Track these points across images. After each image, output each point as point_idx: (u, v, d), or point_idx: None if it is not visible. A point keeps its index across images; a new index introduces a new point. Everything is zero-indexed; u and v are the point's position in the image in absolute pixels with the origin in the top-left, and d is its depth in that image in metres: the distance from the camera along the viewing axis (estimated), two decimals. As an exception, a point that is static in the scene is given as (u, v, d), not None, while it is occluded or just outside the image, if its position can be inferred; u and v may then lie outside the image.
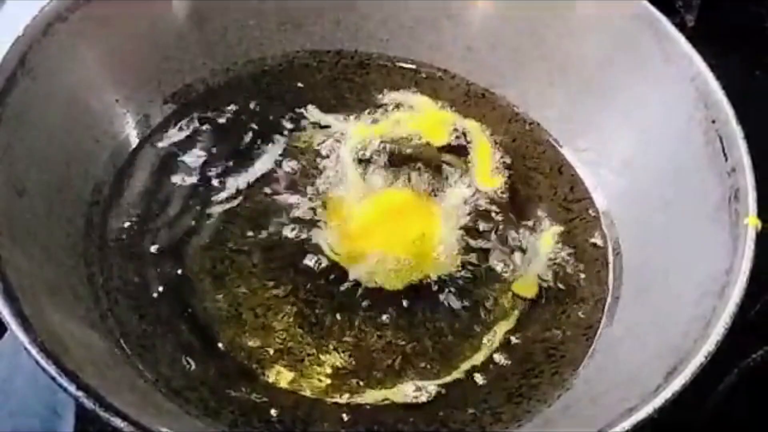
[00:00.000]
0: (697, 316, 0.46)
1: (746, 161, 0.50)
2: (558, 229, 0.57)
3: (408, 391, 0.49)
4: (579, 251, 0.56)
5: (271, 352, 0.49)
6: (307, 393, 0.48)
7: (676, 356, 0.44)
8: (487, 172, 0.59)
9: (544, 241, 0.56)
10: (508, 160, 0.60)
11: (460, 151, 0.60)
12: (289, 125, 0.59)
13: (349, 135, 0.59)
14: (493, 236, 0.56)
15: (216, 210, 0.55)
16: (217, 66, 0.61)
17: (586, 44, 0.59)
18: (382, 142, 0.59)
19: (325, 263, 0.53)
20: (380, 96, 0.62)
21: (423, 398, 0.49)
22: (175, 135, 0.58)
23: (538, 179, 0.59)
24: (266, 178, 0.57)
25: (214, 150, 0.58)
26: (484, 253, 0.55)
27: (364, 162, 0.58)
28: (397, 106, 0.62)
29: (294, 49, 0.63)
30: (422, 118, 0.61)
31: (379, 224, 0.55)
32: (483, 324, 0.52)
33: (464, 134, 0.61)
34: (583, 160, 0.60)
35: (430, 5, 0.63)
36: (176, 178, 0.56)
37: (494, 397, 0.49)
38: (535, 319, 0.53)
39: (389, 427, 0.48)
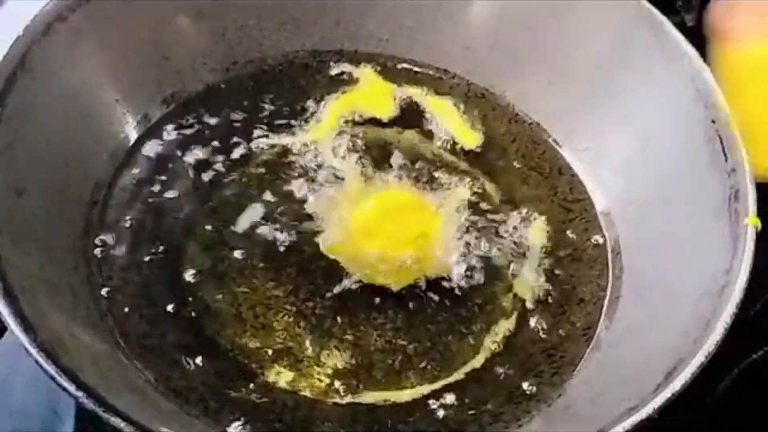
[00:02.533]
0: (697, 316, 0.46)
1: (746, 161, 0.50)
2: (558, 228, 0.57)
3: (408, 392, 0.49)
4: (579, 251, 0.56)
5: (271, 352, 0.49)
6: (307, 393, 0.48)
7: (676, 356, 0.44)
8: (463, 129, 0.61)
9: (544, 240, 0.56)
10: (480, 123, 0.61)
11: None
12: (288, 124, 0.59)
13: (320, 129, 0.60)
14: (492, 236, 0.56)
15: (216, 208, 0.55)
16: (217, 65, 0.61)
17: (586, 44, 0.59)
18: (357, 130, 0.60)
19: (325, 263, 0.53)
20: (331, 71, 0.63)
21: (423, 398, 0.49)
22: (174, 135, 0.58)
23: (537, 179, 0.59)
24: (266, 177, 0.57)
25: (213, 149, 0.58)
26: (484, 253, 0.55)
27: (351, 155, 0.58)
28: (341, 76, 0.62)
29: (294, 49, 0.63)
30: (366, 92, 0.62)
31: (379, 224, 0.55)
32: (483, 324, 0.52)
33: (416, 104, 0.62)
34: (582, 160, 0.60)
35: (429, 5, 0.63)
36: (176, 178, 0.56)
37: (494, 397, 0.49)
38: (535, 318, 0.53)
39: (389, 427, 0.48)
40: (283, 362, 0.49)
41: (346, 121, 0.60)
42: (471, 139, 0.61)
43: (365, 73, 0.63)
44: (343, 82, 0.62)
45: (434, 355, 0.51)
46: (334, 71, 0.62)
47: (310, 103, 0.61)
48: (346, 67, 0.63)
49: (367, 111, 0.61)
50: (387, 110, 0.61)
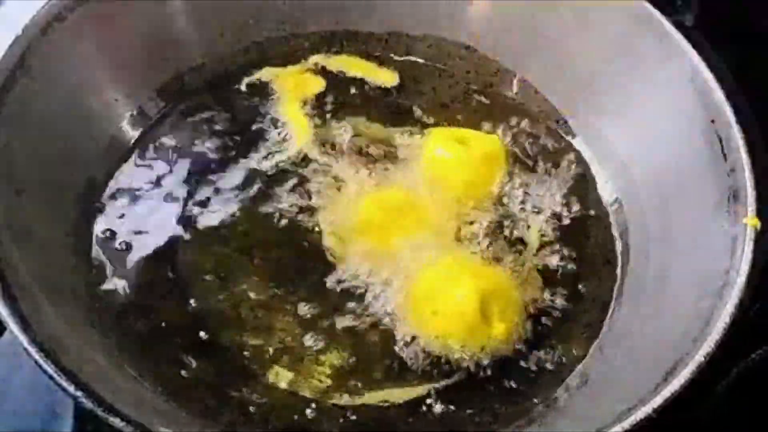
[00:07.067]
0: (696, 315, 0.46)
1: (745, 161, 0.50)
2: (558, 228, 0.57)
3: (407, 392, 0.49)
4: (579, 250, 0.56)
5: (271, 352, 0.49)
6: (307, 393, 0.48)
7: (676, 356, 0.44)
8: (376, 72, 0.63)
9: (544, 240, 0.56)
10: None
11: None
12: (287, 124, 0.59)
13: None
14: (492, 234, 0.55)
15: (215, 209, 0.55)
16: (216, 65, 0.61)
17: (585, 44, 0.59)
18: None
19: (324, 263, 0.53)
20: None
21: (422, 399, 0.49)
22: (172, 134, 0.58)
23: (537, 178, 0.59)
24: (264, 176, 0.57)
25: (212, 148, 0.58)
26: (484, 252, 0.55)
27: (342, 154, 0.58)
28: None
29: (293, 49, 0.63)
30: (293, 83, 0.62)
31: (379, 224, 0.55)
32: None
33: (325, 68, 0.63)
34: (583, 160, 0.60)
35: (429, 5, 0.63)
36: (174, 177, 0.56)
37: (494, 397, 0.49)
38: (535, 318, 0.52)
39: (389, 427, 0.47)
40: (283, 362, 0.49)
41: (316, 121, 0.60)
42: (387, 77, 0.62)
43: (270, 72, 0.62)
44: (266, 90, 0.61)
45: (433, 355, 0.50)
46: (244, 84, 0.61)
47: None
48: (255, 76, 0.62)
49: (310, 95, 0.61)
50: (318, 84, 0.62)
